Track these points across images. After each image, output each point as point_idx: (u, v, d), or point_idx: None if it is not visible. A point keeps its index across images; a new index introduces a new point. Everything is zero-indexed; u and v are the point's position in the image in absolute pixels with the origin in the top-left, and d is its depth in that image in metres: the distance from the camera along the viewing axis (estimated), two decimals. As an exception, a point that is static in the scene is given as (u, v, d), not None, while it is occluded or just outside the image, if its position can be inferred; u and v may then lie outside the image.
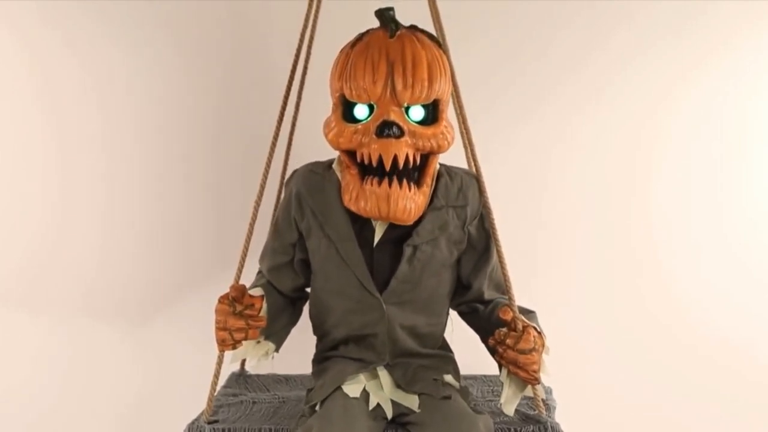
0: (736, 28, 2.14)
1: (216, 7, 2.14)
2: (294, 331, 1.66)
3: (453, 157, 1.61)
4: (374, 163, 1.40)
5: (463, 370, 1.62)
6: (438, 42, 1.52)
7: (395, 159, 1.39)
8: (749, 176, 2.21)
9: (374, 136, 1.40)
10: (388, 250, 1.49)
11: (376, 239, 1.50)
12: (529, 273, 1.70)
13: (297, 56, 1.67)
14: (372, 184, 1.41)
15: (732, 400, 2.22)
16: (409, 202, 1.41)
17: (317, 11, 1.70)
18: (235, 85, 2.17)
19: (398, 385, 1.51)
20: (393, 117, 1.39)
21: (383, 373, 1.53)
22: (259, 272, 1.68)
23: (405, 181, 1.41)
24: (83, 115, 2.16)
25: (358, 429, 1.37)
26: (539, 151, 2.18)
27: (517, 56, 2.16)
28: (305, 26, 1.68)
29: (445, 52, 1.52)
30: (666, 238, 2.21)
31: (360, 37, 1.49)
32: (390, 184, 1.40)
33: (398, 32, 1.46)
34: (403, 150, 1.39)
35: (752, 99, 2.18)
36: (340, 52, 1.50)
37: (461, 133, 1.61)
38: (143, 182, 2.19)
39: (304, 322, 1.67)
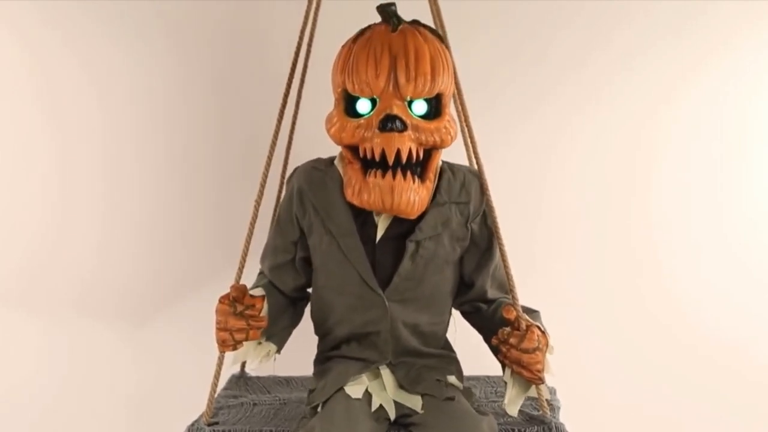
0: (736, 28, 2.15)
1: (216, 7, 2.14)
2: (295, 332, 1.65)
3: (455, 155, 1.61)
4: (377, 158, 1.39)
5: (466, 371, 1.61)
6: (440, 37, 1.51)
7: (398, 154, 1.38)
8: (749, 176, 2.21)
9: (377, 130, 1.38)
10: (390, 247, 1.48)
11: (379, 235, 1.49)
12: (528, 273, 1.69)
13: (297, 54, 1.67)
14: (375, 176, 1.40)
15: (732, 400, 2.22)
16: (413, 194, 1.40)
17: (317, 9, 1.70)
18: (235, 84, 2.16)
19: (401, 386, 1.50)
20: (396, 111, 1.38)
21: (386, 373, 1.51)
22: (260, 273, 1.67)
23: (409, 174, 1.40)
24: (83, 115, 2.16)
25: (360, 430, 1.36)
26: (539, 151, 2.19)
27: (517, 56, 2.16)
28: (305, 24, 1.68)
29: (447, 47, 1.51)
30: (666, 238, 2.21)
31: (362, 32, 1.48)
32: (394, 176, 1.38)
33: (400, 27, 1.45)
34: (406, 144, 1.38)
35: (752, 99, 2.18)
36: (342, 47, 1.49)
37: (463, 131, 1.61)
38: (143, 182, 2.18)
39: (305, 324, 1.66)
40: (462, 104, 1.56)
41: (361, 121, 1.42)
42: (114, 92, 2.16)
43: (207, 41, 2.16)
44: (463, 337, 1.61)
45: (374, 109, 1.41)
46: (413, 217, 1.44)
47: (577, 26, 2.15)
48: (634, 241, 2.21)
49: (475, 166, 1.55)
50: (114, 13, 2.12)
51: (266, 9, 2.13)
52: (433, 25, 1.58)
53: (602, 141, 2.19)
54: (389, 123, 1.37)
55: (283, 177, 1.79)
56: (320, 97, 1.61)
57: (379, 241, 1.49)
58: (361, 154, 1.42)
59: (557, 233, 2.20)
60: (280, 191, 1.78)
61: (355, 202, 1.44)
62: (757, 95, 2.18)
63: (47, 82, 2.15)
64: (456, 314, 1.63)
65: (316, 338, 1.64)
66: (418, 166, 1.43)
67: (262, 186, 1.61)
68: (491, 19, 2.14)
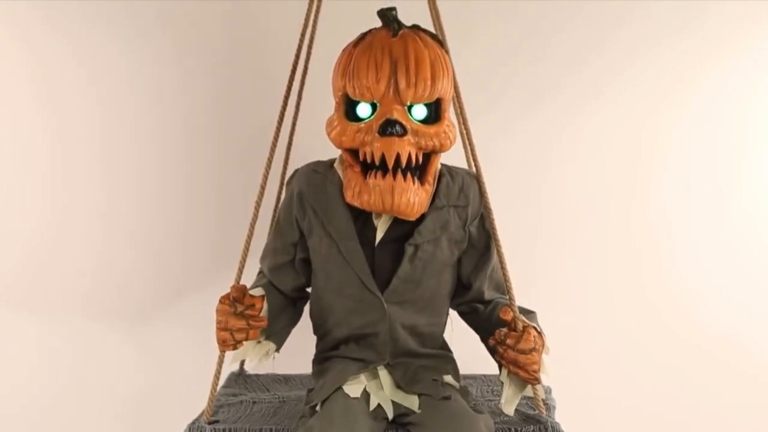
0: (736, 28, 2.15)
1: (216, 7, 2.14)
2: (294, 331, 1.66)
3: (453, 157, 1.61)
4: (377, 162, 1.40)
5: (463, 370, 1.62)
6: (440, 41, 1.52)
7: (398, 158, 1.38)
8: (749, 176, 2.21)
9: (377, 134, 1.39)
10: (389, 250, 1.49)
11: (378, 238, 1.49)
12: (528, 273, 1.70)
13: (297, 56, 1.67)
14: (376, 177, 1.41)
15: (733, 398, 2.22)
16: (412, 195, 1.40)
17: (317, 11, 1.70)
18: (235, 84, 2.17)
19: (398, 386, 1.51)
20: (396, 115, 1.39)
21: (383, 373, 1.52)
22: (260, 272, 1.68)
23: (409, 175, 1.41)
24: (83, 114, 2.17)
25: (359, 429, 1.38)
26: (539, 152, 2.19)
27: (517, 56, 2.16)
28: (305, 25, 1.68)
29: (447, 52, 1.51)
30: (666, 237, 2.22)
31: (363, 36, 1.48)
32: (394, 177, 1.39)
33: (401, 32, 1.45)
34: (406, 149, 1.39)
35: (752, 99, 2.18)
36: (343, 51, 1.49)
37: (462, 133, 1.61)
38: (143, 182, 2.19)
39: (304, 322, 1.67)
40: (461, 106, 1.56)
41: (362, 125, 1.42)
42: (114, 92, 2.16)
43: (208, 42, 2.16)
44: (460, 335, 1.62)
45: (374, 114, 1.42)
46: (413, 218, 1.44)
47: (577, 26, 2.15)
48: (635, 240, 2.21)
49: (474, 169, 1.56)
50: (114, 13, 2.13)
51: (267, 10, 2.13)
52: (432, 26, 1.58)
53: (602, 141, 2.19)
54: (389, 128, 1.38)
55: (283, 178, 1.79)
56: (320, 98, 1.62)
57: (378, 243, 1.49)
58: (361, 158, 1.43)
59: (557, 234, 2.20)
60: (280, 192, 1.78)
61: (356, 203, 1.44)
62: (757, 95, 2.18)
63: (47, 81, 2.15)
64: (453, 314, 1.64)
65: (314, 338, 1.64)
66: (417, 170, 1.44)
67: (263, 187, 1.61)
68: (490, 19, 2.14)
